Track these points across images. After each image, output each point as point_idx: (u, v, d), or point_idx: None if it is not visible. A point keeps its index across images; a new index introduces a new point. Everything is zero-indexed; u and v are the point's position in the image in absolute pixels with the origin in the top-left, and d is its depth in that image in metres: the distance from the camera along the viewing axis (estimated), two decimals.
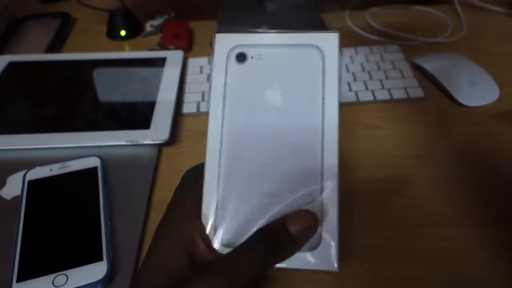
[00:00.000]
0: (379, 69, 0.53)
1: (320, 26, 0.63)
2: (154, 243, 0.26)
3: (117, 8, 0.66)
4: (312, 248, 0.25)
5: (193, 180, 0.27)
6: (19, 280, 0.31)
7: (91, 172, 0.39)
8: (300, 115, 0.25)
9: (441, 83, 0.50)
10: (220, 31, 0.27)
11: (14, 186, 0.40)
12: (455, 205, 0.37)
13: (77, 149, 0.43)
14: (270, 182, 0.25)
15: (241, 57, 0.26)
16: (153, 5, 0.72)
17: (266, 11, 0.66)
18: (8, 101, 0.51)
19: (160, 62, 0.56)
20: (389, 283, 0.32)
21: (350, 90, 0.51)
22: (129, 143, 0.43)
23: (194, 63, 0.56)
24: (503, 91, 0.49)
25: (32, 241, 0.34)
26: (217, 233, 0.25)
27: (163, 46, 0.61)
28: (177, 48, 0.59)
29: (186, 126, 0.48)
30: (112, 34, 0.65)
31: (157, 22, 0.66)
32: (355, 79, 0.52)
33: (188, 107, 0.49)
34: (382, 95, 0.50)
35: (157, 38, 0.63)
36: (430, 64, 0.53)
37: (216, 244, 0.25)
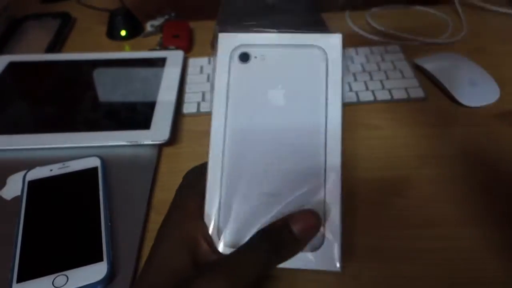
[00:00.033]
0: (379, 69, 0.53)
1: (321, 26, 0.63)
2: (157, 243, 0.26)
3: (117, 8, 0.66)
4: (315, 248, 0.24)
5: (195, 180, 0.27)
6: (19, 280, 0.31)
7: (91, 172, 0.39)
8: (303, 116, 0.25)
9: (441, 83, 0.50)
10: (223, 30, 0.27)
11: (14, 186, 0.39)
12: (456, 205, 0.37)
13: (77, 149, 0.43)
14: (273, 182, 0.25)
15: (244, 57, 0.26)
16: (153, 5, 0.71)
17: (266, 2, 0.65)
18: (8, 101, 0.51)
19: (160, 62, 0.55)
20: (390, 283, 0.32)
21: (351, 90, 0.51)
22: (129, 143, 0.43)
23: (195, 63, 0.56)
24: (503, 91, 0.49)
25: (32, 241, 0.33)
26: (220, 233, 0.25)
27: (163, 46, 0.60)
28: (177, 48, 0.59)
29: (186, 126, 0.47)
30: (112, 34, 0.65)
31: (157, 22, 0.66)
32: (355, 79, 0.52)
33: (189, 107, 0.49)
34: (382, 95, 0.50)
35: (157, 38, 0.63)
36: (431, 64, 0.53)
37: (219, 244, 0.25)
